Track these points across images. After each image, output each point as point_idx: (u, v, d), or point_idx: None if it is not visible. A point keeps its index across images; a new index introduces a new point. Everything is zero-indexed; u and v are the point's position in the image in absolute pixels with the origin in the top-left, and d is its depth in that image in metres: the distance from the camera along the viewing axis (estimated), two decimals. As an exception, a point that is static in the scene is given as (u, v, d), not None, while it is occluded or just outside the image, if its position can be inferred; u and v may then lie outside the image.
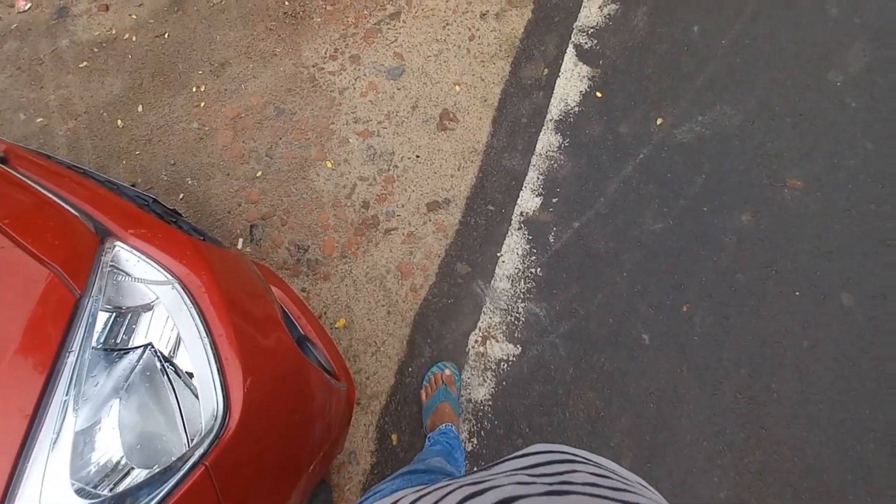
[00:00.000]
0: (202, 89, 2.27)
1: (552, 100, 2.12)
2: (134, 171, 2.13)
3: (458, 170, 2.06)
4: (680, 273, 1.83)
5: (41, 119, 2.25)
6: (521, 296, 1.84)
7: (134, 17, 2.48)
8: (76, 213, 0.96)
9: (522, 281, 1.86)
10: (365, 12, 2.39)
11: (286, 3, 2.45)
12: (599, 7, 2.31)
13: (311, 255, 1.94)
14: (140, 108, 2.25)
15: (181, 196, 2.07)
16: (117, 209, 1.04)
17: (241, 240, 1.98)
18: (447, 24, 2.34)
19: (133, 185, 1.77)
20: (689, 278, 1.82)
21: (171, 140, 2.18)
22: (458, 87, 2.19)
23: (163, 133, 2.20)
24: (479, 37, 2.30)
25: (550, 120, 2.11)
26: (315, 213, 2.00)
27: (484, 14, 2.35)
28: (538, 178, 2.02)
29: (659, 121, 2.06)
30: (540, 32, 2.28)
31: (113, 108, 2.26)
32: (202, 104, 2.24)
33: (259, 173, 2.08)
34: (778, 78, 2.12)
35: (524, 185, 2.02)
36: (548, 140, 2.08)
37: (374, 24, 2.35)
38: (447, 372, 1.66)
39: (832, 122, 2.04)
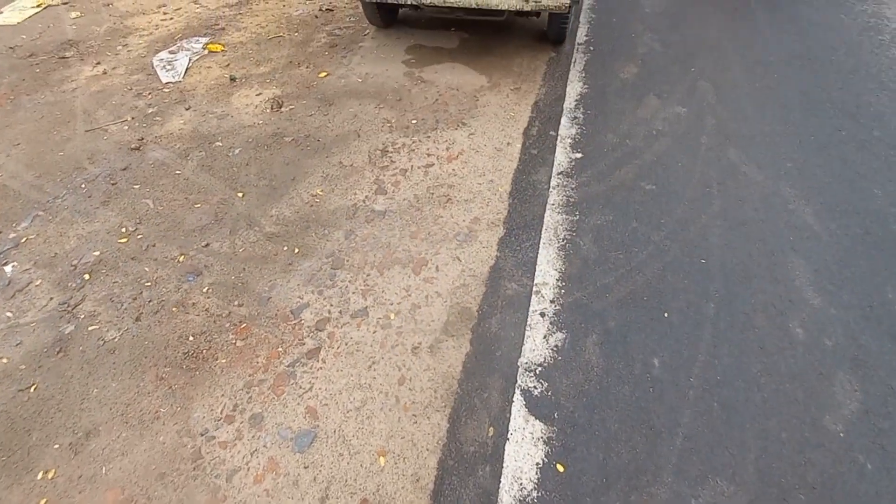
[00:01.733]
0: (50, 475, 1.66)
1: (503, 479, 1.59)
2: None
3: None
4: None
5: None
6: None
7: (4, 361, 2.00)
8: None
9: None
10: (279, 349, 1.99)
11: (190, 338, 2.05)
12: (544, 337, 1.98)
13: None
14: (-42, 507, 1.60)
15: None
16: None
17: None
18: (374, 362, 1.93)
19: None
20: None
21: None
22: (382, 460, 1.66)
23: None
24: (410, 379, 1.88)
25: None
26: None
27: (416, 348, 1.97)
28: None
29: None
30: (481, 372, 1.89)
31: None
32: (42, 503, 1.61)
33: None
34: (770, 430, 1.69)
35: None
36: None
37: (288, 365, 1.93)
38: None
39: (852, 492, 1.55)
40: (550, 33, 3.75)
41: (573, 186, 2.67)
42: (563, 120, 3.14)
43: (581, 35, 4.03)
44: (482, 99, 3.37)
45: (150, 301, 2.19)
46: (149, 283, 2.26)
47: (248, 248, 2.40)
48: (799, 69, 3.55)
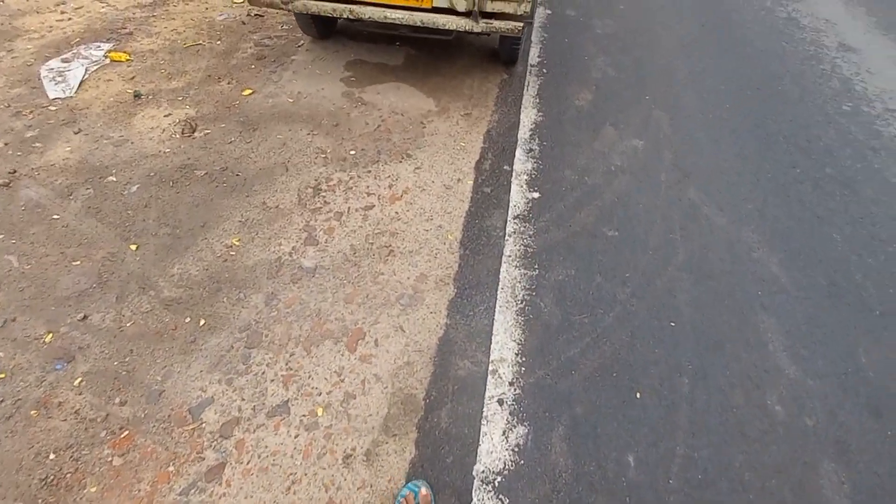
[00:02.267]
0: None
1: None
2: None
3: None
4: None
5: None
6: None
7: None
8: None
9: None
10: (170, 468, 1.53)
11: (51, 456, 1.55)
12: (504, 434, 1.66)
13: None
14: None
15: None
16: None
17: None
18: (294, 481, 1.53)
19: None
20: None
21: None
22: None
23: None
24: (341, 502, 1.50)
25: None
26: None
27: (349, 456, 1.59)
28: None
29: None
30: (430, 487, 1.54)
31: None
32: None
33: None
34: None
35: None
36: None
37: (181, 493, 1.48)
38: (423, 491, 1.43)
39: None
40: (502, 54, 3.45)
41: (531, 233, 2.37)
42: (518, 152, 2.84)
43: (534, 55, 3.76)
44: (430, 126, 3.01)
45: (0, 401, 1.67)
46: (1, 376, 1.73)
47: (138, 320, 1.91)
48: (749, 99, 3.46)
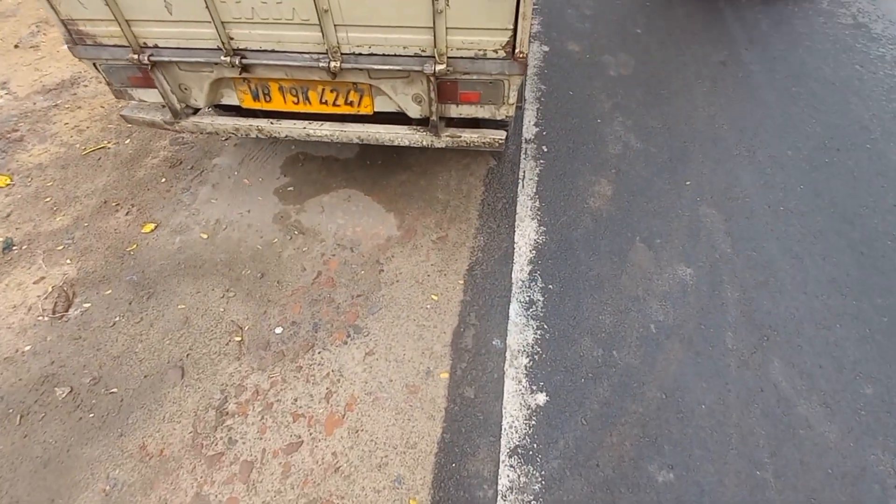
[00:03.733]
0: None
1: None
2: None
3: None
4: None
5: None
6: None
7: None
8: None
9: None
10: None
11: None
12: None
13: None
14: None
15: None
16: None
17: None
18: None
19: None
20: None
21: None
22: None
23: None
24: None
25: None
26: None
27: None
28: None
29: None
30: None
31: None
32: None
33: None
34: None
35: None
36: None
37: None
38: None
39: None
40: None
41: (535, 488, 1.51)
42: (514, 309, 1.95)
43: (529, 122, 2.82)
44: (389, 267, 2.13)
45: None
46: None
47: None
48: (828, 172, 2.47)
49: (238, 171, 2.61)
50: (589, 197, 2.36)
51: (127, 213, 2.43)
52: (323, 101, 1.88)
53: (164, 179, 2.60)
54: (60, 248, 2.29)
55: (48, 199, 2.53)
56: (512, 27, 1.48)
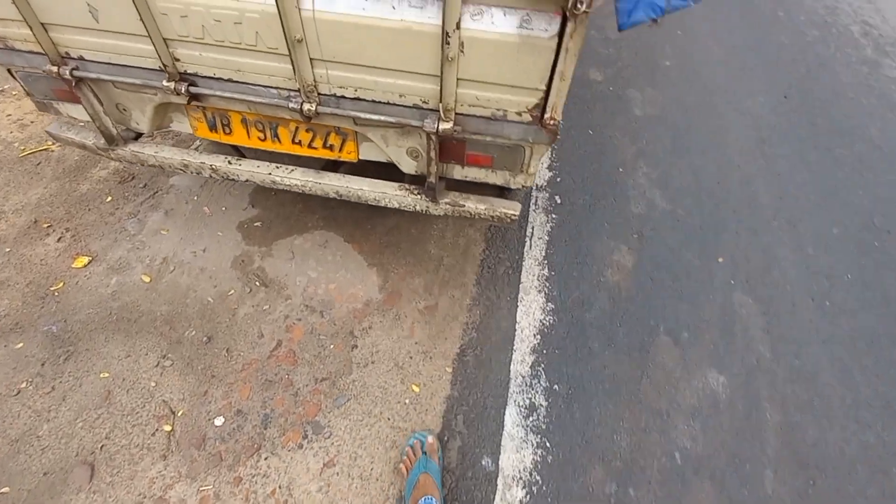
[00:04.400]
0: None
1: None
2: None
3: None
4: None
5: None
6: None
7: None
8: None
9: None
10: None
11: None
12: None
13: None
14: None
15: None
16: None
17: None
18: None
19: None
20: None
21: None
22: None
23: None
24: None
25: None
26: None
27: None
28: None
29: None
30: None
31: None
32: None
33: None
34: None
35: None
36: None
37: None
38: (429, 440, 1.42)
39: None
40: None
41: None
42: (510, 415, 1.59)
43: (543, 162, 2.45)
44: (365, 341, 1.75)
45: None
46: None
47: None
48: (878, 259, 2.14)
49: (199, 195, 2.20)
50: (606, 268, 2.01)
51: (59, 239, 2.01)
52: (296, 140, 1.48)
53: (109, 198, 2.18)
54: (-31, 280, 1.87)
55: (-33, 213, 2.10)
56: (545, 88, 1.11)
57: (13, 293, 1.84)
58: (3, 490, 1.40)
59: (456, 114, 1.20)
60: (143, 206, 2.14)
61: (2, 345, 1.69)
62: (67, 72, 1.32)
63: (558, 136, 1.20)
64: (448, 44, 1.04)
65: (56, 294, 1.84)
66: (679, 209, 2.26)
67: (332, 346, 1.73)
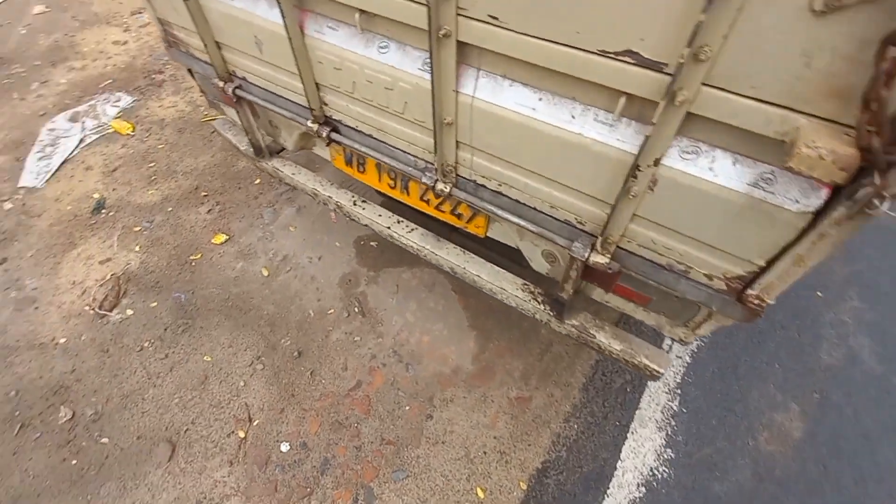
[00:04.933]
0: None
1: None
2: None
3: None
4: None
5: None
6: None
7: None
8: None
9: None
10: None
11: None
12: None
13: None
14: None
15: None
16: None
17: None
18: None
19: None
20: None
21: None
22: None
23: None
24: None
25: None
26: None
27: None
28: None
29: None
30: None
31: None
32: None
33: None
34: None
35: None
36: None
37: None
38: None
39: None
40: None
41: None
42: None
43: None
44: (441, 415, 1.60)
45: None
46: None
47: None
48: None
49: (331, 197, 2.21)
50: (761, 428, 1.54)
51: (209, 211, 2.20)
52: (424, 198, 1.33)
53: (258, 181, 2.32)
54: (137, 228, 2.15)
55: (152, 165, 2.41)
56: (763, 264, 0.76)
57: (162, 252, 2.06)
58: (103, 440, 1.58)
59: (618, 247, 0.91)
60: (281, 198, 2.23)
61: (141, 301, 1.90)
62: (231, 89, 1.33)
63: (760, 317, 0.84)
64: (635, 178, 0.75)
65: (193, 264, 2.02)
66: (893, 376, 1.64)
67: (407, 408, 1.61)
